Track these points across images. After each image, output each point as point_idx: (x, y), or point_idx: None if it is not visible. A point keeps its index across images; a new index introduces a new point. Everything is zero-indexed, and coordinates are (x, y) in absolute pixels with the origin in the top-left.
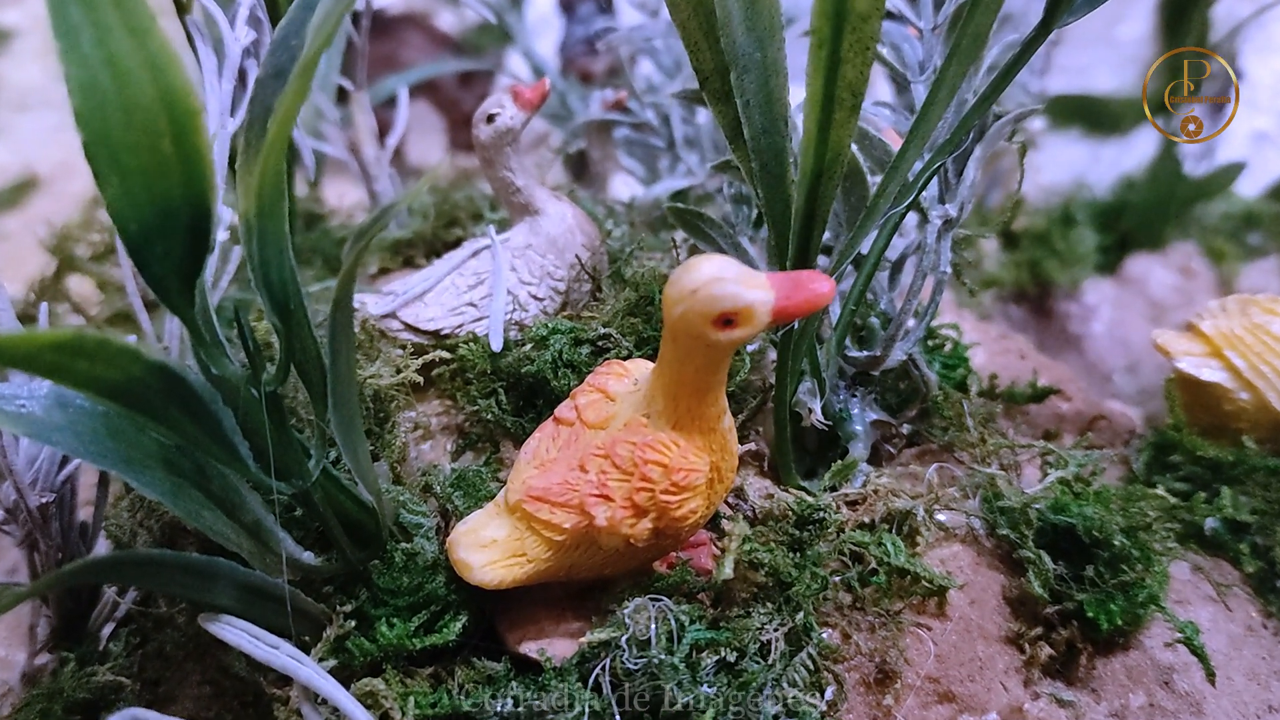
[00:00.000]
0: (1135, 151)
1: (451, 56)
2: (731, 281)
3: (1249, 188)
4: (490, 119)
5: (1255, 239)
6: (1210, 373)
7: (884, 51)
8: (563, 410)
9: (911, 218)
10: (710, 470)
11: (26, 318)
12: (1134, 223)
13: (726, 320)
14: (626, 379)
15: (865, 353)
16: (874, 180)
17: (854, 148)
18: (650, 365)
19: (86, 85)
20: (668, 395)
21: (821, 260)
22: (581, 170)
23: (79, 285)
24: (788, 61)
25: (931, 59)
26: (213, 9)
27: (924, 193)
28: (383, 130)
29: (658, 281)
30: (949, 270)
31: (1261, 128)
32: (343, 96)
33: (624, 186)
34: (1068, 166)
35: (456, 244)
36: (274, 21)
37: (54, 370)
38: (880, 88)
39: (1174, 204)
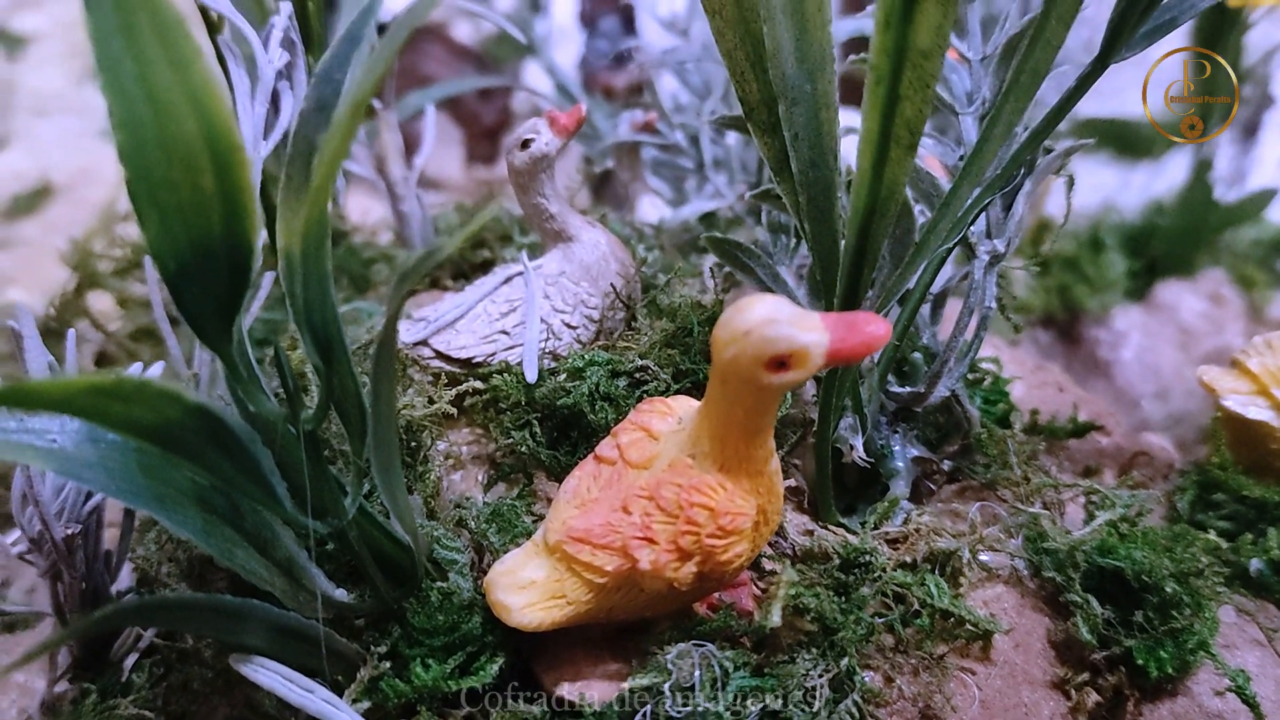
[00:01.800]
0: (1166, 176)
1: (471, 68)
2: (786, 323)
3: None
4: (525, 145)
5: None
6: (1257, 411)
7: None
8: (604, 449)
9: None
10: (757, 514)
11: (46, 332)
12: (1164, 248)
13: (780, 363)
14: (670, 418)
15: (908, 389)
16: (919, 211)
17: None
18: (693, 402)
19: (128, 120)
20: (715, 437)
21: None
22: (602, 189)
23: (99, 300)
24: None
25: (980, 90)
26: (245, 29)
27: (972, 227)
28: (406, 145)
29: (695, 311)
30: (994, 305)
31: None
32: (368, 110)
33: (651, 208)
34: (1098, 190)
35: (484, 266)
36: (307, 43)
37: (90, 413)
38: None
39: (1205, 230)
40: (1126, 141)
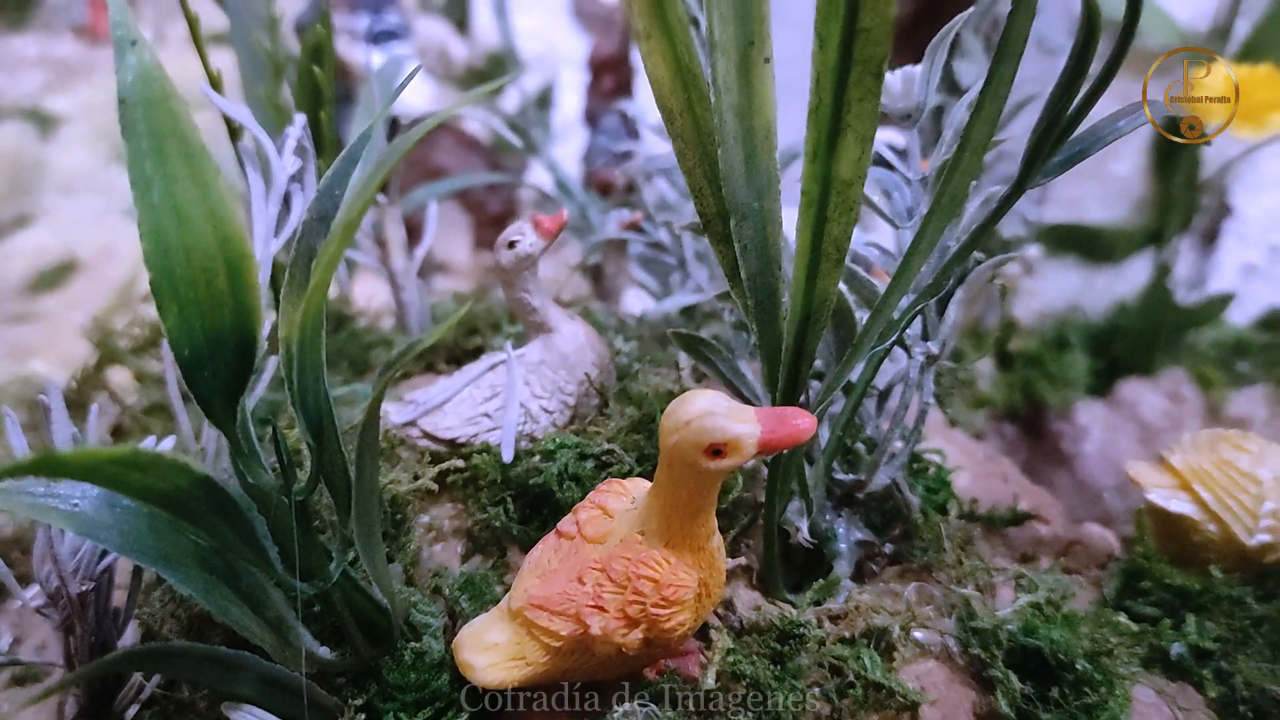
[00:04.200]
0: (1128, 279)
1: (480, 160)
2: (721, 416)
3: (1240, 317)
4: (511, 245)
5: (1244, 367)
6: (1179, 505)
7: (875, 198)
8: (565, 524)
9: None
10: (699, 586)
11: (68, 404)
12: (1126, 348)
13: (716, 451)
14: (625, 497)
15: (851, 476)
16: (861, 315)
17: (843, 287)
18: (647, 484)
19: (154, 230)
20: (662, 515)
21: (815, 385)
22: (599, 280)
23: (117, 375)
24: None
25: (918, 207)
26: (263, 138)
27: (909, 329)
28: (413, 231)
29: (660, 401)
30: (932, 400)
31: (1251, 260)
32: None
33: (636, 300)
34: (1063, 291)
35: (476, 351)
36: (319, 149)
37: (111, 481)
38: (884, 227)
39: (1164, 331)
40: (1089, 246)
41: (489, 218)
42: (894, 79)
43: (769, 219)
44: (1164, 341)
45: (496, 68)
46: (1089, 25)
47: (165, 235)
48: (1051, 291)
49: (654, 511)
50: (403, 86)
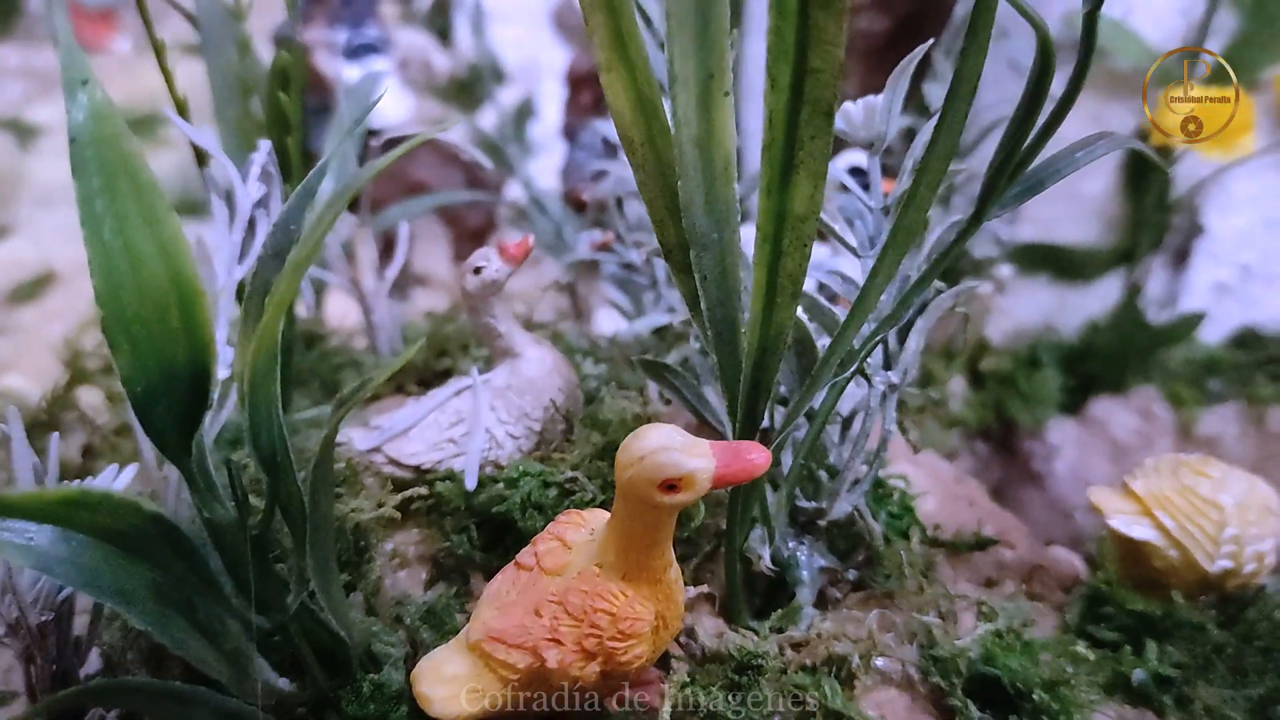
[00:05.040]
0: (1101, 297)
1: (460, 173)
2: (676, 451)
3: (1212, 335)
4: (477, 271)
5: (1215, 385)
6: (1141, 531)
7: (836, 227)
8: (524, 556)
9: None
10: (656, 619)
11: (37, 425)
12: (1098, 366)
13: (670, 485)
14: (584, 529)
15: (814, 504)
16: (823, 341)
17: (804, 315)
18: (606, 515)
19: (106, 268)
20: (618, 548)
21: (781, 411)
22: (573, 299)
23: (90, 394)
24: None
25: (879, 236)
26: (226, 164)
27: (870, 358)
28: (390, 246)
29: (624, 428)
30: (893, 428)
31: (1223, 279)
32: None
33: (608, 320)
34: (1036, 310)
35: (446, 373)
36: (286, 174)
37: (61, 520)
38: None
39: (1136, 350)
40: (1061, 265)
41: (468, 231)
42: (855, 108)
43: (728, 250)
44: (1136, 360)
45: (479, 78)
46: (1043, 60)
47: (117, 273)
48: (1024, 310)
49: (611, 544)
50: (364, 114)
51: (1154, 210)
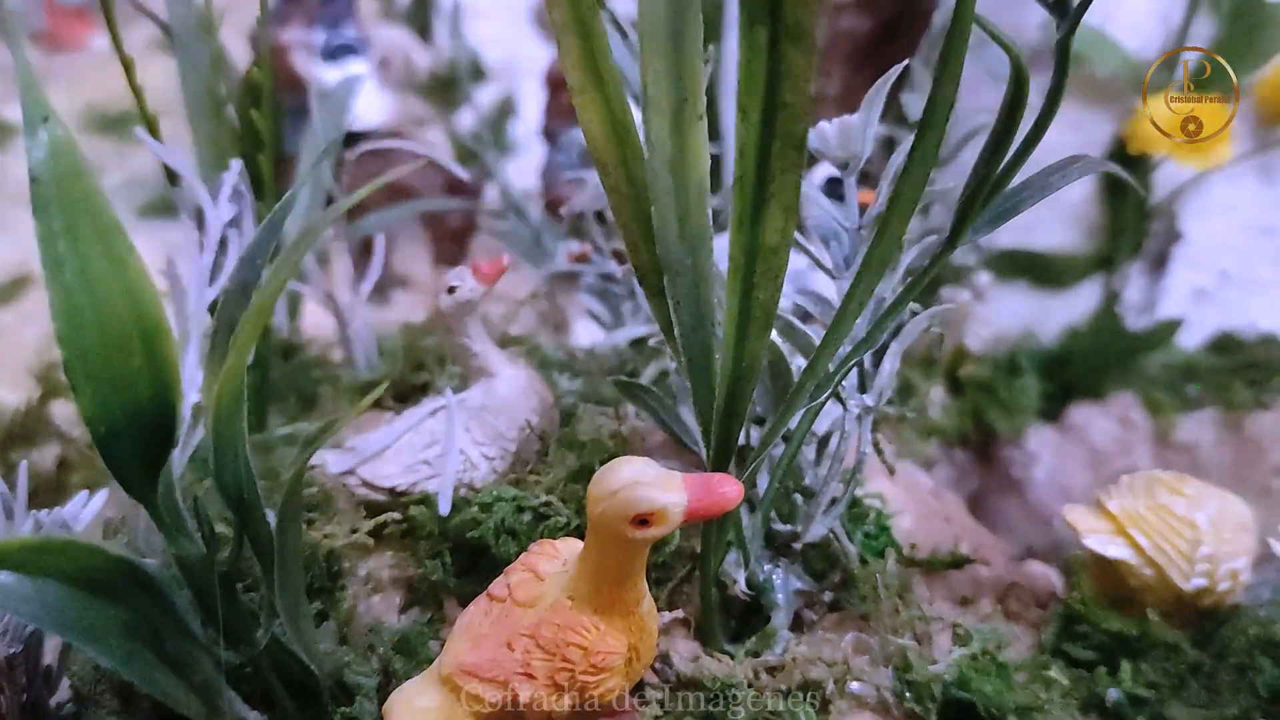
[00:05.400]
0: (1082, 302)
1: (440, 175)
2: (648, 486)
3: (1190, 340)
4: (450, 291)
5: (1194, 391)
6: (1116, 550)
7: (812, 248)
8: (496, 587)
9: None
10: (629, 651)
11: (12, 438)
12: (1077, 372)
13: (642, 520)
14: (556, 559)
15: (789, 527)
16: (797, 363)
17: (777, 337)
18: (579, 544)
19: (68, 309)
20: (590, 581)
21: (756, 430)
22: (552, 309)
23: (64, 408)
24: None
25: (855, 257)
26: (196, 185)
27: (845, 381)
28: (369, 248)
29: (598, 451)
30: (869, 449)
31: (1201, 284)
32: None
33: (586, 332)
34: (1016, 316)
35: (423, 387)
36: (258, 192)
37: (23, 566)
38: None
39: (1115, 356)
40: (1040, 272)
41: (448, 231)
42: (831, 128)
43: (701, 276)
44: (1115, 366)
45: (457, 77)
46: (1017, 86)
47: (79, 315)
48: (1003, 316)
49: (583, 576)
50: (339, 136)
51: (1133, 216)
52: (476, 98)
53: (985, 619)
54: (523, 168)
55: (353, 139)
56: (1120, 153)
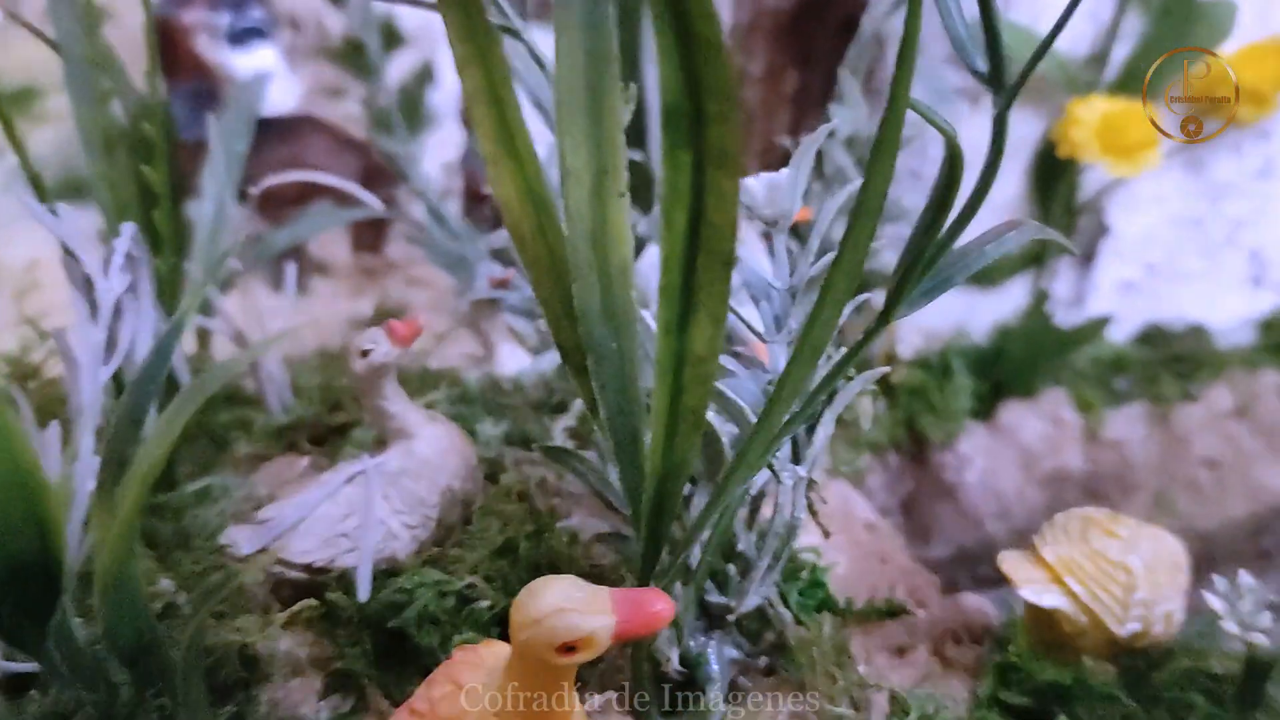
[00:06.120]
0: (1012, 300)
1: (355, 158)
2: (574, 613)
3: (1119, 334)
4: (364, 354)
5: (1123, 384)
6: (1052, 599)
7: (742, 310)
8: (418, 701)
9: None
10: None
11: None
12: (1009, 371)
13: (569, 648)
14: (479, 669)
15: (723, 599)
16: (726, 430)
17: (711, 408)
18: (504, 649)
19: None
20: (516, 700)
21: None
22: (475, 332)
23: None
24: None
25: (787, 319)
26: (84, 257)
27: (778, 453)
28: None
29: (520, 529)
30: (802, 516)
31: (1129, 277)
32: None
33: (512, 357)
34: (947, 315)
35: (342, 428)
36: (156, 247)
37: None
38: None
39: (1045, 353)
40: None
41: (367, 219)
42: (759, 185)
43: (627, 359)
44: (1045, 363)
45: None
46: (951, 169)
47: None
48: (933, 316)
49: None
50: (241, 158)
51: (1062, 214)
52: (391, 65)
53: (924, 677)
54: (441, 142)
55: (263, 125)
56: (1048, 154)
